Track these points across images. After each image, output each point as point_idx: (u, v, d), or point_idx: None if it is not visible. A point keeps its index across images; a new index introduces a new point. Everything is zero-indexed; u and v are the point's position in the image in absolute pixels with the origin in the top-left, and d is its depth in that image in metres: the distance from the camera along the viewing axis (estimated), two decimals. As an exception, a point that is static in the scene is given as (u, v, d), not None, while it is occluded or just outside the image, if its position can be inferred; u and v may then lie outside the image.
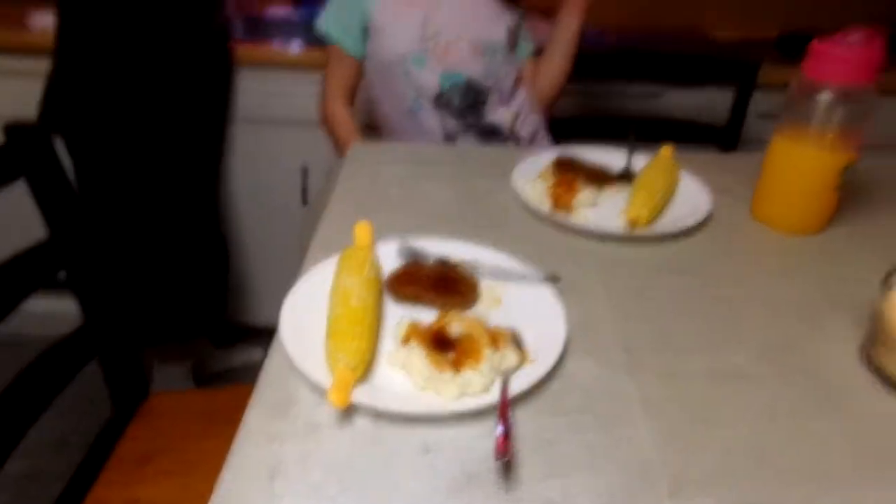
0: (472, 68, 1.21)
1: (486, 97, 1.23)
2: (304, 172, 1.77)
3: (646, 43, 1.86)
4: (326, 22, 1.25)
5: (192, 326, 1.70)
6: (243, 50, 1.65)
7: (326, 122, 1.31)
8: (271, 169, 1.77)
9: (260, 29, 2.00)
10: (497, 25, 1.24)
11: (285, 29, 1.97)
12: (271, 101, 1.69)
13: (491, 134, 1.25)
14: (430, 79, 1.20)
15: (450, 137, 1.24)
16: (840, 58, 0.76)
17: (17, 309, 0.82)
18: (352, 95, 1.30)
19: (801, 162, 0.82)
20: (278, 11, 2.00)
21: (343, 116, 1.28)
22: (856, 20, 2.02)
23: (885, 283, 0.61)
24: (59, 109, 1.37)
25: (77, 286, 0.94)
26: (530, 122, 1.30)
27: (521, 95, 1.30)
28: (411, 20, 1.18)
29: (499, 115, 1.26)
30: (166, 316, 1.61)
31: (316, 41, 1.63)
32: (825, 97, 0.77)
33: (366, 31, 1.22)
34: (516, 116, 1.28)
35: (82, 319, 0.96)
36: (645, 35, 1.91)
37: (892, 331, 0.59)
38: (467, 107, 1.23)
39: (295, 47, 1.69)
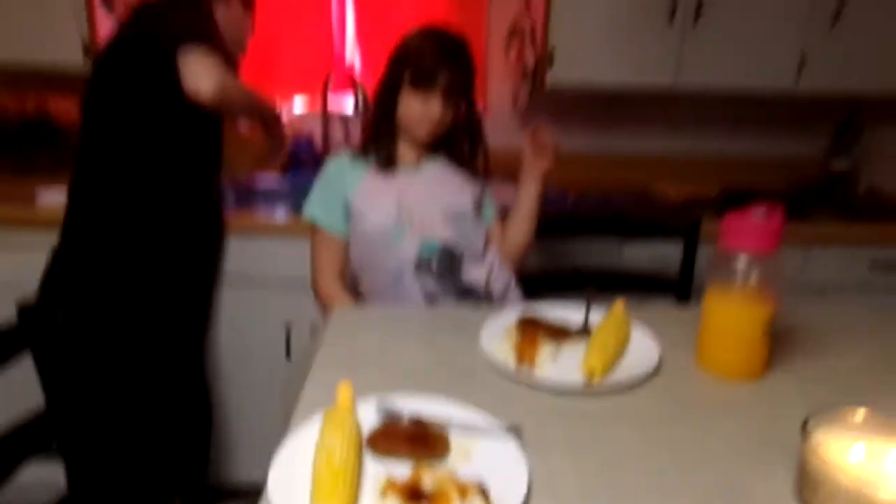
0: (446, 235, 1.35)
1: (461, 259, 1.36)
2: (288, 330, 1.85)
3: (602, 201, 2.07)
4: (312, 208, 1.39)
5: (169, 487, 1.68)
6: (233, 218, 1.81)
7: (322, 300, 1.40)
8: (256, 326, 1.86)
9: (249, 197, 2.18)
10: (463, 195, 1.40)
11: (272, 197, 2.15)
12: (258, 264, 1.81)
13: (467, 293, 1.36)
14: (410, 248, 1.33)
15: (431, 299, 1.34)
16: (749, 230, 0.90)
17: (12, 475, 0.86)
18: (342, 272, 1.41)
19: (730, 316, 0.93)
20: (266, 180, 2.20)
21: (337, 293, 1.37)
22: (781, 179, 2.29)
23: (804, 430, 0.69)
24: (62, 282, 1.47)
25: (68, 453, 0.98)
26: (502, 278, 1.42)
27: (491, 254, 1.43)
28: (388, 200, 1.35)
29: (473, 274, 1.37)
30: (146, 477, 1.60)
31: (300, 208, 1.81)
32: (741, 261, 0.91)
33: (347, 213, 1.37)
34: (489, 274, 1.40)
35: (67, 488, 0.99)
36: (601, 193, 2.13)
37: (814, 472, 0.66)
38: (445, 270, 1.35)
39: (281, 214, 1.85)
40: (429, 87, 1.29)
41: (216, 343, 1.86)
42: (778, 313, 0.94)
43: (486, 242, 1.43)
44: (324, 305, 1.39)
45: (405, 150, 1.39)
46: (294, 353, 1.87)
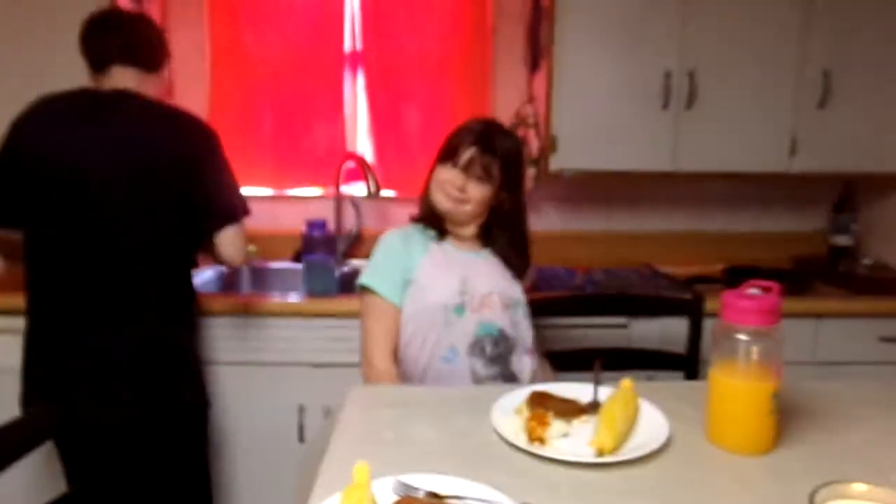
0: (502, 320, 1.38)
1: (513, 348, 1.38)
2: (301, 411, 1.87)
3: (608, 280, 2.11)
4: (370, 277, 1.39)
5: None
6: (247, 300, 1.87)
7: (374, 376, 1.35)
8: (268, 409, 1.87)
9: (263, 280, 2.26)
10: (515, 286, 1.45)
11: (287, 279, 2.22)
12: (271, 346, 1.85)
13: (513, 381, 1.36)
14: (469, 327, 1.35)
15: (478, 382, 1.35)
16: (748, 306, 0.94)
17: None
18: (395, 349, 1.38)
19: (734, 391, 0.96)
20: (280, 264, 2.27)
21: (391, 370, 1.35)
22: (783, 254, 2.33)
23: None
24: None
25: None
26: (543, 371, 1.47)
27: (536, 350, 1.45)
28: (452, 276, 1.39)
29: (522, 364, 1.39)
30: None
31: (313, 292, 1.87)
32: (741, 337, 0.94)
33: (406, 284, 1.38)
34: (535, 369, 1.41)
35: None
36: (607, 271, 2.18)
37: (824, 545, 0.67)
38: (498, 355, 1.36)
39: (295, 297, 1.91)
40: (452, 161, 1.36)
41: (228, 424, 1.87)
42: (785, 387, 0.96)
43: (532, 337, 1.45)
44: (375, 381, 1.35)
45: (455, 232, 1.45)
46: (307, 436, 1.87)
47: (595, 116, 2.04)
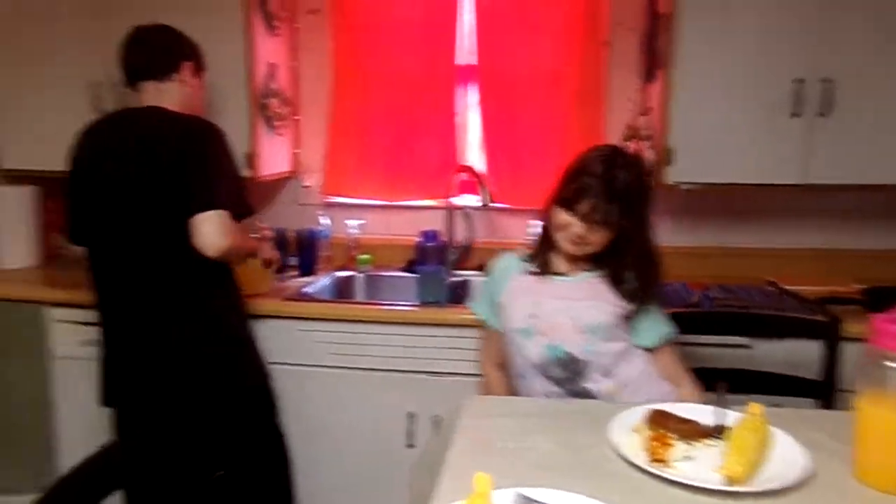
0: (573, 344, 1.36)
1: (584, 370, 1.37)
2: (410, 418, 1.91)
3: (728, 298, 2.00)
4: (477, 303, 1.55)
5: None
6: (360, 307, 1.94)
7: (484, 383, 1.56)
8: (378, 414, 1.93)
9: (375, 287, 2.33)
10: (602, 311, 1.37)
11: (399, 287, 2.28)
12: (382, 353, 1.91)
13: (586, 397, 1.36)
14: (536, 350, 1.38)
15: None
16: (901, 331, 0.86)
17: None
18: (502, 362, 1.52)
19: (888, 426, 0.88)
20: (392, 272, 2.34)
21: (496, 379, 1.53)
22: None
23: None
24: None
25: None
26: (647, 392, 1.37)
27: (628, 371, 1.39)
28: (526, 301, 1.41)
29: (597, 384, 1.37)
30: None
31: (425, 301, 1.92)
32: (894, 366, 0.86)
33: (497, 307, 1.47)
34: (620, 389, 1.37)
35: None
36: (724, 288, 2.06)
37: None
38: (566, 378, 1.37)
39: (406, 305, 1.96)
40: (569, 210, 1.34)
41: (338, 428, 1.95)
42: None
43: (622, 356, 1.39)
44: (485, 388, 1.54)
45: (559, 260, 1.43)
46: (415, 443, 1.91)
47: (716, 127, 1.95)
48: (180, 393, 1.62)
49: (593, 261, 1.41)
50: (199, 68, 1.75)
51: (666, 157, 1.99)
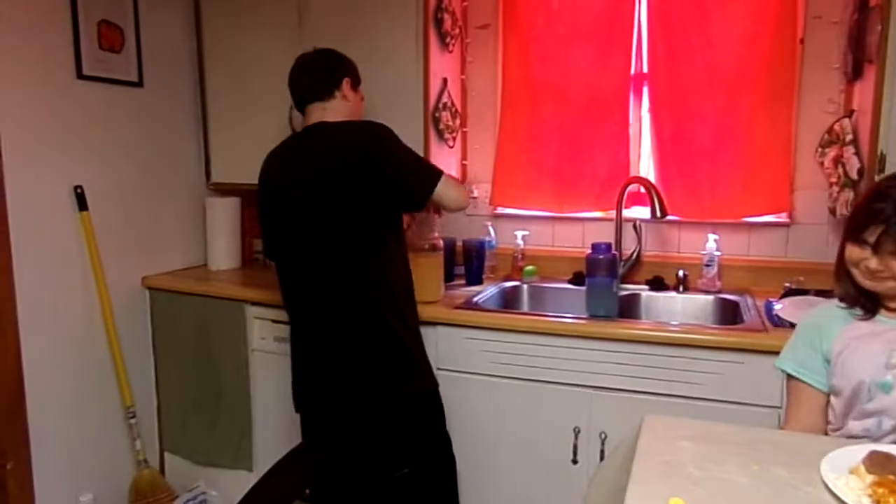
0: None
1: None
2: (577, 433, 1.87)
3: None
4: (784, 360, 1.35)
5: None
6: (526, 318, 1.94)
7: None
8: (544, 427, 1.91)
9: (542, 298, 2.32)
10: None
11: (566, 299, 2.25)
12: (549, 364, 1.88)
13: None
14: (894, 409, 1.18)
15: None
16: None
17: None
18: (816, 429, 1.30)
19: None
20: (557, 284, 2.31)
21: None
22: None
23: None
24: None
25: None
26: None
27: None
28: (873, 348, 1.21)
29: None
30: None
31: (594, 314, 1.87)
32: None
33: (826, 363, 1.28)
34: None
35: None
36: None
37: None
38: None
39: (573, 317, 1.92)
40: (857, 242, 1.21)
41: (503, 438, 1.96)
42: None
43: None
44: None
45: (888, 300, 1.25)
46: (579, 458, 1.86)
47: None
48: (357, 397, 1.73)
49: None
50: (356, 82, 1.88)
51: (876, 163, 1.76)
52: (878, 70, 1.75)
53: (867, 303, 1.25)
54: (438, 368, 1.99)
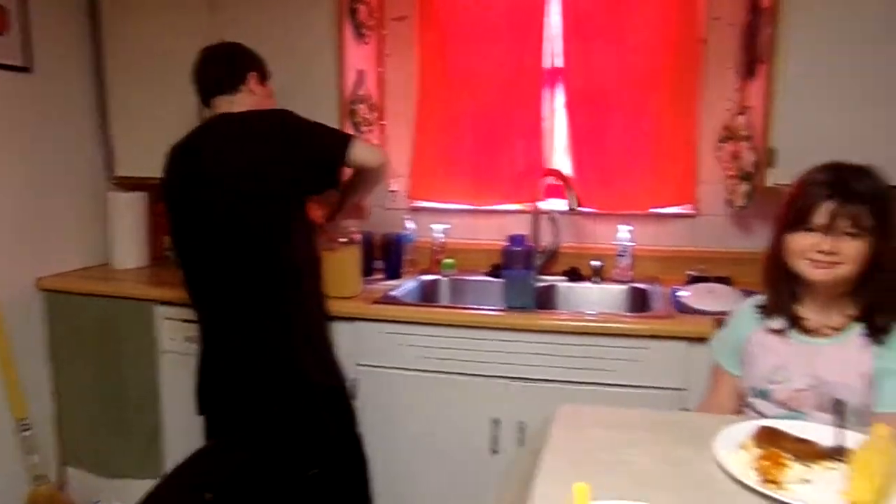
0: (814, 416, 1.19)
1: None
2: (495, 424, 1.89)
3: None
4: (712, 346, 1.44)
5: None
6: (444, 311, 1.95)
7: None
8: (461, 419, 1.92)
9: (460, 292, 2.33)
10: (853, 392, 1.18)
11: (484, 291, 2.27)
12: (467, 357, 1.90)
13: None
14: (769, 411, 1.25)
15: None
16: None
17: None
18: (728, 410, 1.35)
19: None
20: (476, 277, 2.33)
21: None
22: None
23: None
24: None
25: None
26: None
27: None
28: (768, 359, 1.28)
29: None
30: None
31: (511, 306, 1.89)
32: None
33: (741, 356, 1.35)
34: None
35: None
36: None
37: None
38: None
39: (492, 309, 1.94)
40: (805, 228, 1.19)
41: (421, 432, 1.96)
42: None
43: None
44: None
45: (808, 311, 1.27)
46: (499, 448, 1.89)
47: (824, 126, 1.82)
48: (261, 393, 1.69)
49: (847, 302, 1.23)
50: (263, 77, 1.83)
51: (767, 158, 1.88)
52: (769, 70, 1.87)
53: (790, 317, 1.27)
54: (358, 364, 1.96)
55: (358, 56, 2.26)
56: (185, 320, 2.05)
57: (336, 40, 2.12)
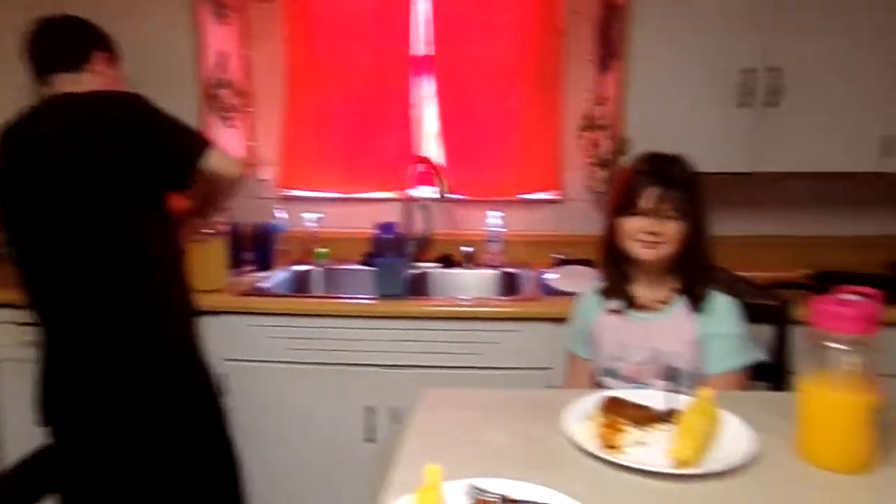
0: (655, 385, 1.28)
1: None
2: (370, 412, 1.89)
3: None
4: (568, 335, 1.52)
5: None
6: (317, 301, 1.91)
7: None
8: (336, 409, 1.91)
9: (334, 282, 2.30)
10: (683, 360, 1.31)
11: (357, 281, 2.25)
12: (340, 347, 1.88)
13: None
14: (617, 388, 1.28)
15: None
16: (845, 312, 0.88)
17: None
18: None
19: (829, 405, 0.90)
20: (350, 266, 2.31)
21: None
22: (876, 259, 2.18)
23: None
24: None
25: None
26: None
27: None
28: (612, 339, 1.38)
29: None
30: None
31: (383, 294, 1.89)
32: (836, 347, 0.88)
33: (589, 340, 1.44)
34: None
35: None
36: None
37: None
38: None
39: (364, 298, 1.93)
40: (632, 212, 1.31)
41: (296, 424, 1.92)
42: (889, 402, 0.89)
43: None
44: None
45: (639, 289, 1.39)
46: (375, 437, 1.89)
47: (669, 117, 1.98)
48: (117, 398, 1.56)
49: (671, 278, 1.36)
50: (113, 58, 1.68)
51: (622, 146, 2.00)
52: (621, 63, 1.99)
53: (625, 297, 1.39)
54: (225, 360, 1.88)
55: (218, 37, 2.15)
56: (22, 323, 1.86)
57: (193, 19, 2.00)
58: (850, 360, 0.88)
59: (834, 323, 0.88)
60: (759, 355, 1.36)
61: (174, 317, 1.63)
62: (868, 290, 0.91)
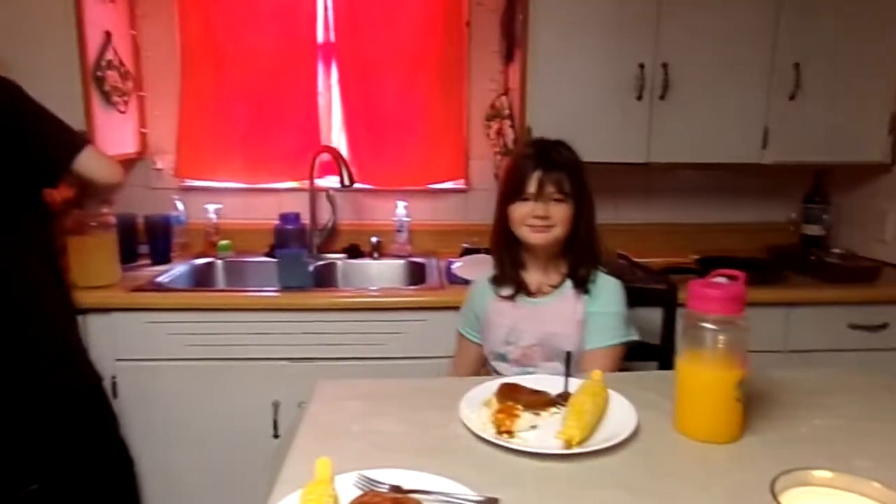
0: (544, 370, 1.33)
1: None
2: (276, 407, 1.85)
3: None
4: (458, 319, 1.54)
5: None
6: (222, 295, 1.84)
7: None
8: (243, 404, 1.85)
9: (237, 274, 2.22)
10: (570, 342, 1.35)
11: (261, 273, 2.18)
12: (244, 341, 1.83)
13: None
14: (509, 374, 1.34)
15: None
16: (713, 295, 0.94)
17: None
18: (475, 372, 1.50)
19: (700, 380, 0.96)
20: (254, 258, 2.24)
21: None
22: (757, 245, 2.34)
23: (772, 491, 0.71)
24: None
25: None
26: None
27: None
28: (502, 326, 1.41)
29: None
30: None
31: (287, 286, 1.85)
32: (707, 326, 0.94)
33: (479, 326, 1.47)
34: None
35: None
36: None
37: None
38: None
39: (269, 291, 1.88)
40: (520, 197, 1.34)
41: (201, 420, 1.85)
42: (753, 376, 0.97)
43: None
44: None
45: (529, 274, 1.43)
46: (281, 432, 1.85)
47: (569, 108, 2.04)
48: None
49: (560, 261, 1.41)
50: None
51: (525, 136, 2.04)
52: (523, 55, 2.03)
53: (517, 283, 1.42)
54: (117, 360, 1.79)
55: (101, 15, 2.02)
56: None
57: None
58: (718, 338, 0.94)
59: (704, 304, 0.94)
60: (635, 336, 1.44)
61: (47, 318, 1.52)
62: (736, 272, 0.98)
